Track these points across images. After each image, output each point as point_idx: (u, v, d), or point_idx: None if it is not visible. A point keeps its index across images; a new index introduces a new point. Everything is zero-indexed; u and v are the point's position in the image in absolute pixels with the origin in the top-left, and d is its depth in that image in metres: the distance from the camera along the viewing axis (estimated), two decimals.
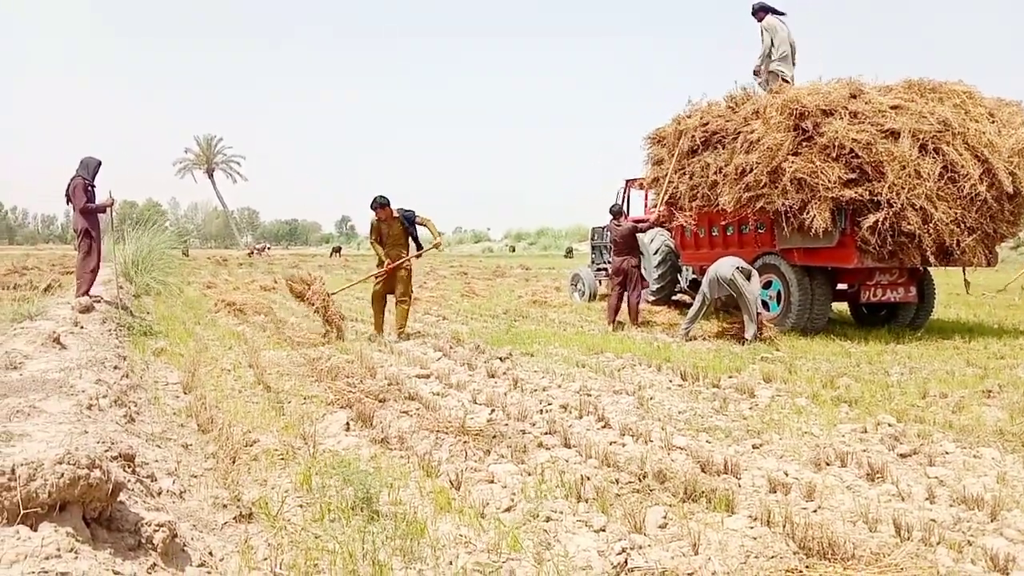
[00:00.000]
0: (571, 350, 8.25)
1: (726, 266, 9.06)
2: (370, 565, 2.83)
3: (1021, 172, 8.91)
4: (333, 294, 9.77)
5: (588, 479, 3.81)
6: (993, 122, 9.08)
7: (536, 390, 6.16)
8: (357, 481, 3.54)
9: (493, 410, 5.39)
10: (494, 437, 4.60)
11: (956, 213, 8.64)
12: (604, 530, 3.20)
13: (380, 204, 9.32)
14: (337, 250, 62.53)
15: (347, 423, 4.95)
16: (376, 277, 9.62)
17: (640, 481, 3.82)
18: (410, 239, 9.51)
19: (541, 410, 5.45)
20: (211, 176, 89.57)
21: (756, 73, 10.88)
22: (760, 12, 10.74)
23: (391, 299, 9.62)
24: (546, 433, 4.79)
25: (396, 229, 9.39)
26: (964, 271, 10.37)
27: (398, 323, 9.48)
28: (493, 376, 6.78)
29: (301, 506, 3.48)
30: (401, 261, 9.42)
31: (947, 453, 4.34)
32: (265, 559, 2.90)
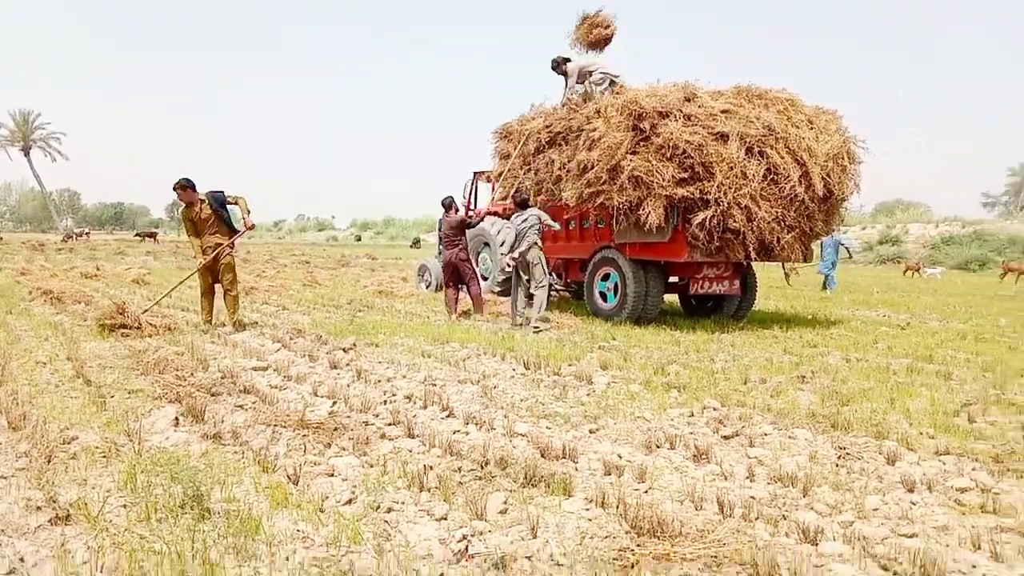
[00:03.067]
0: (417, 340, 8.22)
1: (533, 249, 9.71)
2: (200, 565, 2.70)
3: (834, 176, 9.70)
4: (146, 311, 9.16)
5: (431, 468, 3.81)
6: (812, 128, 9.82)
7: (380, 381, 6.09)
8: (186, 478, 3.37)
9: (335, 402, 5.28)
10: (335, 429, 4.50)
11: (777, 212, 9.28)
12: (446, 518, 3.22)
13: (181, 186, 8.74)
14: (151, 235, 56.20)
15: (176, 418, 4.69)
16: (200, 272, 9.10)
17: (482, 468, 3.86)
18: (224, 223, 9.06)
19: (385, 401, 5.39)
20: (27, 154, 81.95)
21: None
22: (561, 66, 11.71)
23: (220, 287, 9.18)
24: (390, 424, 4.75)
25: (207, 213, 8.91)
26: (783, 266, 11.23)
27: (230, 312, 9.07)
28: (335, 367, 6.64)
29: (125, 506, 3.27)
30: (216, 252, 8.96)
31: (765, 435, 4.67)
32: (84, 563, 2.71)
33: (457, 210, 11.17)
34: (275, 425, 4.55)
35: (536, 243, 9.72)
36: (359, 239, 74.94)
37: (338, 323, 9.64)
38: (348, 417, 4.85)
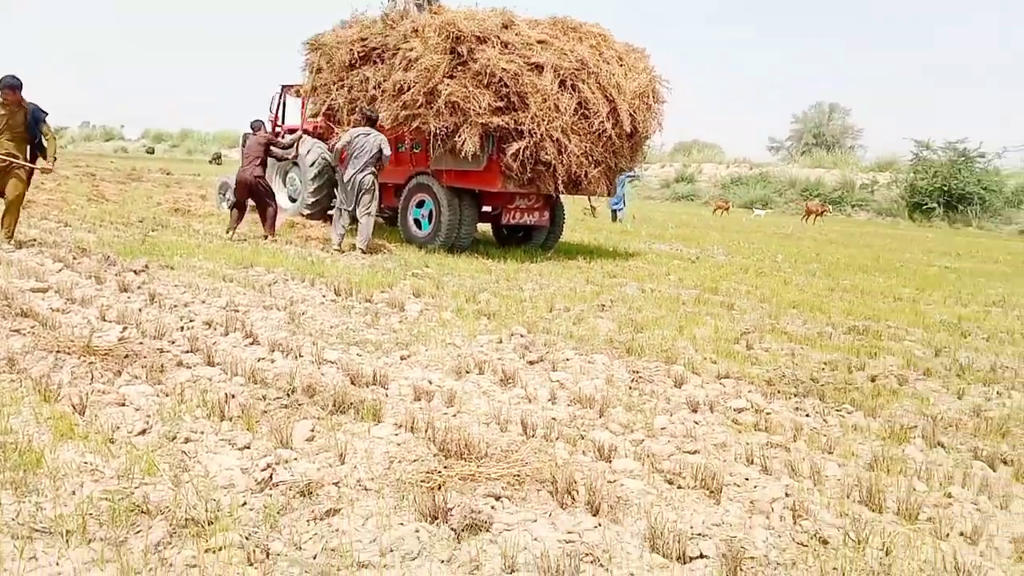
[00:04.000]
0: (217, 263, 7.80)
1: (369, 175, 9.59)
2: None
3: (639, 114, 10.12)
4: None
5: (233, 397, 3.67)
6: (622, 65, 10.13)
7: (177, 306, 5.73)
8: None
9: (125, 327, 4.91)
10: (126, 357, 4.21)
11: (586, 147, 9.58)
12: (249, 447, 3.13)
13: (11, 85, 7.73)
14: None
15: None
16: None
17: (289, 396, 3.78)
18: (29, 138, 8.07)
19: (182, 327, 5.09)
20: None
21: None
22: None
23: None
24: (187, 351, 4.50)
25: (18, 120, 7.87)
26: (589, 199, 11.68)
27: (7, 226, 8.12)
28: (126, 290, 6.17)
29: None
30: (15, 164, 7.94)
31: (567, 360, 4.90)
32: None
33: (264, 131, 10.68)
34: (58, 351, 4.18)
35: (374, 171, 9.53)
36: (152, 152, 69.09)
37: (128, 242, 8.92)
38: (141, 344, 4.55)
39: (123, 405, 3.52)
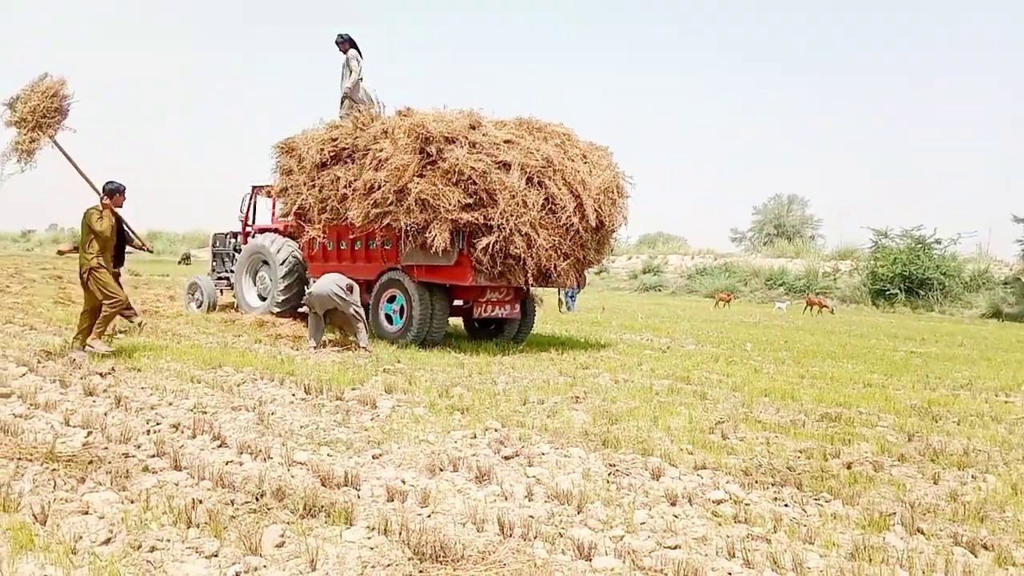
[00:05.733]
0: (185, 364, 7.69)
1: (325, 284, 9.69)
2: None
3: (605, 208, 10.37)
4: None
5: (200, 502, 3.57)
6: (586, 162, 10.45)
7: (143, 409, 5.62)
8: None
9: (90, 432, 4.79)
10: (90, 463, 4.09)
11: (554, 241, 9.76)
12: (217, 555, 3.03)
13: (122, 190, 8.17)
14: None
15: None
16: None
17: (258, 500, 3.68)
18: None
19: (148, 431, 4.98)
20: None
21: (347, 97, 11.55)
22: (344, 44, 11.98)
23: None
24: (153, 456, 4.39)
25: (113, 226, 8.15)
26: (559, 292, 11.81)
27: (103, 328, 8.25)
28: (91, 394, 6.04)
29: None
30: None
31: (543, 454, 4.85)
32: None
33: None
34: (19, 458, 4.06)
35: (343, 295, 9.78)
36: None
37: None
38: (105, 449, 4.43)
39: (86, 513, 3.40)
